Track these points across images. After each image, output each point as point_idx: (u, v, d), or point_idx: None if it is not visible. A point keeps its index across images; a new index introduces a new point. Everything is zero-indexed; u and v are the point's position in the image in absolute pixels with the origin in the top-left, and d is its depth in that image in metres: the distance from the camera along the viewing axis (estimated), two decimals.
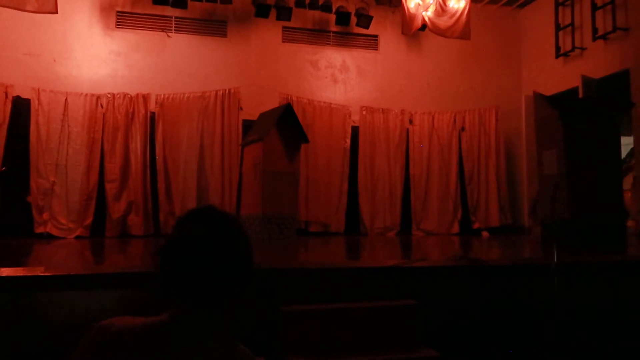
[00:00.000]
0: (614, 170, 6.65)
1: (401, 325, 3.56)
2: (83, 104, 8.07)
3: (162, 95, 8.43)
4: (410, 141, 9.59)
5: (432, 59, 10.07)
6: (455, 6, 8.75)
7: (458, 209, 9.48)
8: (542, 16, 9.73)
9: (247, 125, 8.37)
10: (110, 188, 8.04)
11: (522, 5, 10.32)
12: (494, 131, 9.66)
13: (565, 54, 9.15)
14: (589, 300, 3.96)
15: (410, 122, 9.61)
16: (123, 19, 8.78)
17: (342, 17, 9.32)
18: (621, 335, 3.85)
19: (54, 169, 7.81)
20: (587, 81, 8.34)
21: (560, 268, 3.75)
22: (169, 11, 8.79)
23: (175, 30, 8.97)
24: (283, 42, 9.48)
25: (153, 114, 8.40)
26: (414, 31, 9.13)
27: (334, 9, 9.23)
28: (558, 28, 9.31)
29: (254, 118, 8.17)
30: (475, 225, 9.47)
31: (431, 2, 8.72)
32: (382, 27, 9.87)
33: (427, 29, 9.05)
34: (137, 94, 8.30)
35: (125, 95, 8.26)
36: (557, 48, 9.30)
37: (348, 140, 9.30)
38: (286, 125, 7.41)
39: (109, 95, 8.20)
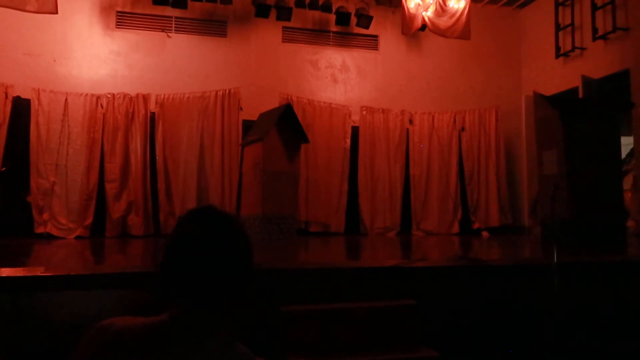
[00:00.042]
0: (614, 170, 6.65)
1: (401, 325, 3.56)
2: (83, 104, 8.07)
3: (162, 96, 8.43)
4: (410, 141, 9.59)
5: (432, 59, 10.07)
6: (455, 6, 8.74)
7: (458, 209, 9.48)
8: (542, 16, 9.74)
9: (247, 125, 8.37)
10: (110, 188, 8.04)
11: (522, 5, 10.32)
12: (494, 131, 9.66)
13: (565, 54, 9.15)
14: (589, 300, 3.96)
15: (410, 122, 9.61)
16: (123, 19, 8.78)
17: (342, 17, 9.32)
18: (621, 335, 3.85)
19: (54, 169, 7.81)
20: (587, 81, 8.34)
21: (560, 268, 3.75)
22: (169, 11, 8.79)
23: (175, 30, 8.97)
24: (283, 42, 9.48)
25: (153, 114, 8.39)
26: (414, 31, 9.13)
27: (334, 9, 9.23)
28: (558, 28, 9.31)
29: (254, 118, 8.17)
30: (475, 225, 9.47)
31: (431, 2, 8.72)
32: (382, 27, 9.87)
33: (427, 29, 9.05)
34: (137, 94, 8.30)
35: (125, 95, 8.26)
36: (557, 48, 9.29)
37: (348, 140, 9.30)
38: (286, 125, 7.41)
39: (109, 96, 8.20)
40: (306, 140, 7.74)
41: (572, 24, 9.02)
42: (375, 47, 9.94)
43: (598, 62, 8.50)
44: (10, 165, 7.47)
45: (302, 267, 4.24)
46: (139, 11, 8.80)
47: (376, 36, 9.89)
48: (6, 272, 3.31)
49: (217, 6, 8.93)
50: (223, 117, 8.63)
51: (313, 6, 9.07)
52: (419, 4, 8.79)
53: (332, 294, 3.67)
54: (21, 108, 7.84)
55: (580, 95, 8.37)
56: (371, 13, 9.41)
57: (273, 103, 8.50)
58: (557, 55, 9.30)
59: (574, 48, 8.97)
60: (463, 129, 9.69)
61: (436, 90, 9.91)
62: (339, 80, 9.71)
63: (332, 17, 9.40)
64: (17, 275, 3.32)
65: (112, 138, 8.14)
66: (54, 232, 7.66)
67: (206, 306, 1.23)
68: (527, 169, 8.99)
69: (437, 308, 3.71)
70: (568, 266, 4.01)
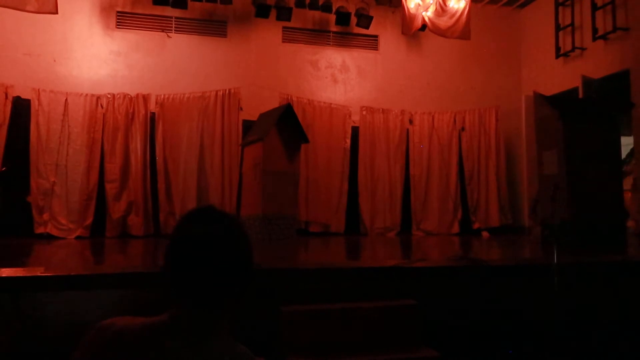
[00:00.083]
0: (614, 170, 6.66)
1: (401, 325, 3.56)
2: (83, 104, 8.07)
3: (162, 96, 8.43)
4: (410, 141, 9.59)
5: (432, 59, 10.07)
6: (455, 6, 8.74)
7: (458, 209, 9.48)
8: (542, 16, 9.73)
9: (247, 125, 8.37)
10: (111, 188, 8.04)
11: (522, 6, 10.32)
12: (494, 131, 9.65)
13: (565, 54, 9.15)
14: (589, 300, 3.96)
15: (410, 122, 9.61)
16: (123, 19, 8.78)
17: (342, 17, 9.32)
18: (621, 335, 3.85)
19: (54, 169, 7.81)
20: (587, 81, 8.34)
21: (560, 268, 3.76)
22: (169, 11, 8.79)
23: (175, 30, 8.97)
24: (283, 42, 9.48)
25: (153, 114, 8.39)
26: (414, 31, 9.13)
27: (334, 9, 9.23)
28: (558, 28, 9.31)
29: (254, 118, 8.17)
30: (475, 226, 9.46)
31: (431, 2, 8.72)
32: (382, 27, 9.87)
33: (427, 29, 9.04)
34: (137, 94, 8.30)
35: (125, 95, 8.26)
36: (557, 48, 9.29)
37: (348, 141, 9.30)
38: (286, 125, 7.41)
39: (109, 96, 8.20)
40: (306, 141, 7.74)
41: (572, 24, 9.02)
42: (375, 47, 9.94)
43: (598, 62, 8.49)
44: (10, 165, 7.47)
45: (302, 267, 4.24)
46: (139, 11, 8.79)
47: (376, 36, 9.89)
48: (6, 272, 3.32)
49: (217, 6, 8.93)
50: (223, 117, 8.63)
51: (313, 6, 9.07)
52: (419, 4, 8.78)
53: (332, 294, 3.67)
54: (21, 108, 7.84)
55: (580, 95, 8.37)
56: (371, 13, 9.41)
57: (273, 103, 8.50)
58: (557, 55, 9.29)
59: (574, 48, 8.97)
60: (463, 129, 9.69)
61: (436, 90, 9.91)
62: (339, 80, 9.71)
63: (332, 17, 9.39)
64: (17, 275, 3.33)
65: (112, 138, 8.14)
66: (54, 232, 7.65)
67: (206, 306, 1.23)
68: (527, 169, 8.99)
69: (437, 308, 3.71)
70: (568, 266, 4.01)
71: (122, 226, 8.01)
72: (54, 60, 8.35)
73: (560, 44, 9.26)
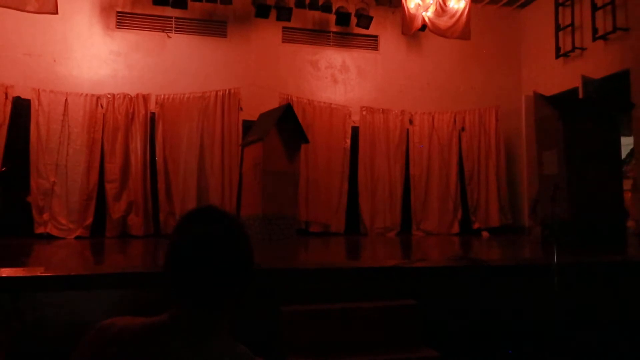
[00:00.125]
0: (614, 171, 6.66)
1: (401, 325, 3.56)
2: (83, 104, 8.07)
3: (162, 96, 8.43)
4: (410, 141, 9.59)
5: (432, 59, 10.07)
6: (455, 6, 8.74)
7: (458, 209, 9.48)
8: (542, 16, 9.74)
9: (247, 125, 8.37)
10: (111, 188, 8.04)
11: (522, 6, 10.32)
12: (494, 131, 9.65)
13: (566, 54, 9.15)
14: (589, 300, 3.96)
15: (410, 122, 9.61)
16: (123, 20, 8.78)
17: (342, 18, 9.32)
18: (621, 335, 3.85)
19: (54, 169, 7.81)
20: (587, 81, 8.34)
21: (560, 268, 3.76)
22: (169, 11, 8.79)
23: (175, 30, 8.97)
24: (283, 42, 9.48)
25: (153, 114, 8.39)
26: (414, 31, 9.13)
27: (334, 10, 9.23)
28: (558, 28, 9.31)
29: (254, 118, 8.17)
30: (476, 226, 9.46)
31: (431, 2, 8.72)
32: (382, 28, 9.87)
33: (427, 29, 9.04)
34: (137, 94, 8.30)
35: (125, 95, 8.26)
36: (557, 48, 9.29)
37: (348, 141, 9.30)
38: (286, 125, 7.41)
39: (109, 96, 8.20)
40: (306, 141, 7.74)
41: (572, 24, 9.02)
42: (375, 47, 9.94)
43: (598, 62, 8.49)
44: (10, 165, 7.47)
45: (302, 267, 4.24)
46: (139, 11, 8.80)
47: (376, 36, 9.89)
48: (6, 272, 3.32)
49: (217, 6, 8.93)
50: (223, 117, 8.63)
51: (313, 6, 9.07)
52: (419, 4, 8.78)
53: (332, 294, 3.67)
54: (21, 108, 7.84)
55: (580, 95, 8.37)
56: (371, 13, 9.41)
57: (273, 103, 8.50)
58: (557, 56, 9.29)
59: (574, 48, 8.97)
60: (463, 129, 9.69)
61: (436, 91, 9.91)
62: (339, 80, 9.71)
63: (332, 18, 9.40)
64: (17, 275, 3.33)
65: (112, 138, 8.14)
66: (54, 232, 7.65)
67: (206, 306, 1.23)
68: (527, 169, 9.00)
69: (437, 308, 3.71)
70: (568, 266, 4.01)
71: (122, 226, 8.01)
72: (54, 60, 8.35)
73: (560, 44, 9.26)
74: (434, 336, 3.56)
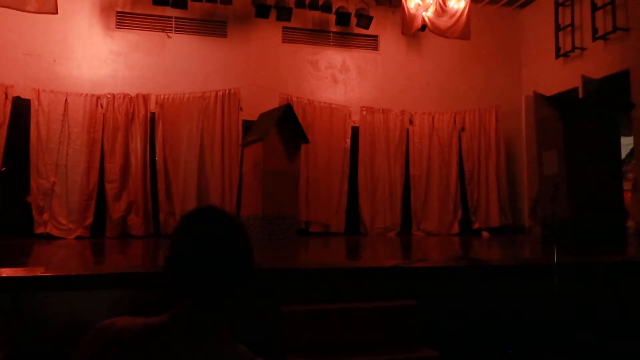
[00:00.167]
0: (614, 171, 6.66)
1: (401, 325, 3.56)
2: (83, 104, 8.06)
3: (162, 96, 8.43)
4: (410, 141, 9.58)
5: (432, 59, 10.07)
6: (455, 6, 8.74)
7: (458, 209, 9.48)
8: (542, 16, 9.73)
9: (247, 125, 8.37)
10: (111, 188, 8.04)
11: (522, 6, 10.32)
12: (494, 131, 9.65)
13: (565, 54, 9.15)
14: (589, 300, 3.96)
15: (411, 122, 9.61)
16: (123, 20, 8.78)
17: (342, 18, 9.32)
18: (621, 335, 3.85)
19: (54, 169, 7.81)
20: (587, 81, 8.35)
21: (560, 268, 3.76)
22: (169, 11, 8.79)
23: (175, 30, 8.97)
24: (283, 42, 9.48)
25: (153, 114, 8.39)
26: (414, 31, 9.13)
27: (334, 10, 9.23)
28: (558, 28, 9.31)
29: (254, 118, 8.17)
30: (476, 226, 9.46)
31: (431, 2, 8.72)
32: (382, 28, 9.87)
33: (427, 29, 9.04)
34: (137, 94, 8.30)
35: (125, 95, 8.26)
36: (557, 48, 9.29)
37: (348, 141, 9.30)
38: (286, 125, 7.41)
39: (109, 96, 8.20)
40: (306, 141, 7.74)
41: (572, 24, 9.02)
42: (375, 47, 9.94)
43: (598, 62, 8.49)
44: (10, 165, 7.47)
45: (302, 267, 4.24)
46: (139, 11, 8.80)
47: (376, 36, 9.89)
48: (6, 272, 3.32)
49: (217, 6, 8.93)
50: (223, 118, 8.63)
51: (313, 6, 9.07)
52: (419, 4, 8.78)
53: (332, 294, 3.67)
54: (21, 108, 7.84)
55: (580, 95, 8.37)
56: (371, 13, 9.41)
57: (273, 103, 8.50)
58: (557, 56, 9.29)
59: (574, 48, 8.97)
60: (463, 129, 9.69)
61: (436, 91, 9.91)
62: (339, 80, 9.71)
63: (332, 18, 9.40)
64: (17, 275, 3.33)
65: (112, 138, 8.14)
66: (54, 232, 7.65)
67: (206, 306, 1.23)
68: (527, 169, 9.00)
69: (437, 308, 3.71)
70: (568, 266, 4.01)
71: (122, 226, 8.01)
72: (54, 60, 8.35)
73: (560, 44, 9.26)
74: (434, 336, 3.56)
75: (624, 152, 7.82)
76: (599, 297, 4.02)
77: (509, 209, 9.57)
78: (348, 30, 9.65)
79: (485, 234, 9.27)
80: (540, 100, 7.21)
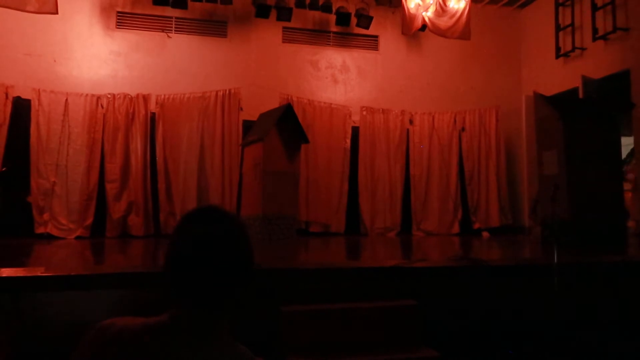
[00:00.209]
0: (614, 171, 6.66)
1: (401, 325, 3.56)
2: (83, 105, 8.07)
3: (163, 96, 8.43)
4: (410, 141, 9.59)
5: (432, 59, 10.07)
6: (456, 6, 8.74)
7: (458, 209, 9.48)
8: (542, 16, 9.74)
9: (248, 125, 8.37)
10: (111, 188, 8.04)
11: (523, 6, 10.32)
12: (494, 131, 9.65)
13: (566, 54, 9.15)
14: (589, 300, 3.96)
15: (411, 122, 9.61)
16: (123, 20, 8.78)
17: (342, 18, 9.32)
18: (621, 335, 3.85)
19: (55, 169, 7.81)
20: (587, 81, 8.34)
21: (560, 268, 3.76)
22: (169, 11, 8.79)
23: (175, 30, 8.97)
24: (283, 42, 9.49)
25: (153, 114, 8.39)
26: (414, 31, 9.13)
27: (334, 10, 9.23)
28: (558, 28, 9.31)
29: (254, 118, 8.17)
30: (476, 226, 9.46)
31: (431, 2, 8.72)
32: (382, 28, 9.87)
33: (427, 30, 9.04)
34: (138, 95, 8.30)
35: (125, 95, 8.26)
36: (558, 48, 9.29)
37: (348, 141, 9.30)
38: (286, 125, 7.41)
39: (109, 96, 8.20)
40: (306, 141, 7.75)
41: (572, 24, 9.02)
42: (375, 47, 9.94)
43: (598, 62, 8.49)
44: (11, 165, 7.47)
45: (302, 267, 4.24)
46: (139, 11, 8.80)
47: (376, 36, 9.89)
48: (6, 272, 3.32)
49: (217, 6, 8.93)
50: (223, 118, 8.63)
51: (313, 6, 9.07)
52: (419, 4, 8.79)
53: (332, 294, 3.67)
54: (21, 108, 7.84)
55: (580, 95, 8.37)
56: (371, 13, 9.41)
57: (273, 103, 8.50)
58: (557, 56, 9.29)
59: (574, 48, 8.97)
60: (463, 129, 9.69)
61: (436, 91, 9.91)
62: (339, 80, 9.71)
63: (332, 18, 9.40)
64: (18, 275, 3.33)
65: (113, 138, 8.14)
66: (54, 232, 7.66)
67: (206, 306, 1.23)
68: (527, 169, 8.99)
69: (437, 308, 3.71)
70: (568, 266, 4.01)
71: (122, 226, 8.01)
72: (54, 61, 8.35)
73: (561, 44, 9.26)
74: (434, 336, 3.56)
75: (624, 152, 7.82)
76: (599, 297, 4.02)
77: (509, 209, 9.57)
78: (348, 30, 9.66)
79: (485, 234, 9.27)
80: (540, 100, 7.21)
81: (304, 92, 9.29)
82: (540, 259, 5.14)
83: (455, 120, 9.70)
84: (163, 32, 8.88)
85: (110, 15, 8.72)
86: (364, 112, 9.41)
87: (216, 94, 8.64)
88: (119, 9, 8.76)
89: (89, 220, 7.87)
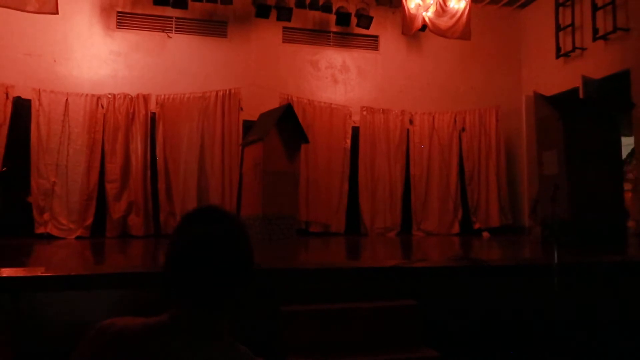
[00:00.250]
0: (614, 170, 6.66)
1: (401, 325, 3.56)
2: (83, 105, 8.07)
3: (163, 96, 8.43)
4: (410, 141, 9.59)
5: (432, 59, 10.07)
6: (456, 6, 8.74)
7: (458, 209, 9.48)
8: (543, 16, 9.74)
9: (248, 125, 8.38)
10: (111, 188, 8.04)
11: (523, 6, 10.32)
12: (494, 131, 9.65)
13: (566, 54, 9.15)
14: (589, 300, 3.96)
15: (411, 122, 9.61)
16: (123, 20, 8.78)
17: (343, 18, 9.32)
18: (621, 335, 3.85)
19: (55, 169, 7.81)
20: (587, 81, 8.34)
21: (560, 268, 3.76)
22: (170, 12, 8.79)
23: (175, 30, 8.97)
24: (283, 42, 9.49)
25: (153, 114, 8.39)
26: (414, 32, 9.13)
27: (334, 10, 9.23)
28: (558, 28, 9.31)
29: (254, 118, 8.18)
30: (476, 226, 9.46)
31: (431, 2, 8.72)
32: (383, 28, 9.87)
33: (427, 30, 9.04)
34: (138, 95, 8.30)
35: (125, 95, 8.26)
36: (558, 48, 9.29)
37: (348, 141, 9.30)
38: (286, 125, 7.41)
39: (109, 96, 8.20)
40: (306, 141, 7.75)
41: (572, 24, 9.02)
42: (375, 47, 9.94)
43: (598, 62, 8.49)
44: (11, 165, 7.47)
45: (302, 267, 4.24)
46: (139, 11, 8.80)
47: (376, 36, 9.89)
48: (6, 272, 3.32)
49: (217, 6, 8.93)
50: (223, 118, 8.63)
51: (313, 6, 9.07)
52: (419, 5, 8.79)
53: (332, 294, 3.67)
54: (22, 108, 7.85)
55: (581, 95, 8.37)
56: (371, 13, 9.41)
57: (273, 103, 8.50)
58: (558, 56, 9.29)
59: (574, 48, 8.97)
60: (463, 129, 9.69)
61: (436, 91, 9.91)
62: (339, 80, 9.71)
63: (333, 18, 9.40)
64: (18, 275, 3.33)
65: (113, 138, 8.14)
66: (55, 232, 7.66)
67: (206, 306, 1.23)
68: (527, 169, 8.99)
69: (437, 308, 3.71)
70: (568, 266, 4.01)
71: (122, 226, 8.01)
72: (54, 61, 8.35)
73: (561, 44, 9.26)
74: (434, 336, 3.56)
75: (624, 152, 7.82)
76: (599, 297, 4.02)
77: (509, 209, 9.57)
78: (348, 30, 9.66)
79: (485, 234, 9.26)
80: (540, 100, 7.21)
81: (304, 92, 9.29)
82: (540, 259, 5.14)
83: (455, 120, 9.70)
84: (163, 32, 8.89)
85: (110, 15, 8.72)
86: (364, 112, 9.41)
87: (216, 94, 8.64)
88: (119, 9, 8.76)
89: (89, 220, 7.87)
